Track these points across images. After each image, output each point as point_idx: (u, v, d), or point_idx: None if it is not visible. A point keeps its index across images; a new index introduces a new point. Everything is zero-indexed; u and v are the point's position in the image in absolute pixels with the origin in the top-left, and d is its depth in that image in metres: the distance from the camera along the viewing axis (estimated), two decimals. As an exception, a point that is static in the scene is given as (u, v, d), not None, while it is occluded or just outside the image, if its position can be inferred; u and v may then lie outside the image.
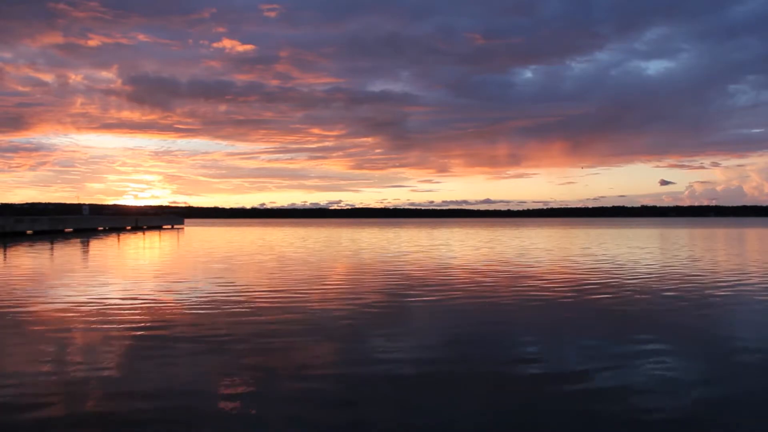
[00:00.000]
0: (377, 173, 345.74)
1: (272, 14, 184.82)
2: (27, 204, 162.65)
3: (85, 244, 39.02)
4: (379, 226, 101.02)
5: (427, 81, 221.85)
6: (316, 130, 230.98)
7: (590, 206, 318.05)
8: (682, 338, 9.29)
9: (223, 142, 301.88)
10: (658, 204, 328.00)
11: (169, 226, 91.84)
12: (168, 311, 11.68)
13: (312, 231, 69.57)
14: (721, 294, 14.14)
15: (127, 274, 19.44)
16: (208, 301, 12.96)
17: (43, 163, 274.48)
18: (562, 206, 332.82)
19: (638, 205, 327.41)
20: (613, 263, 22.72)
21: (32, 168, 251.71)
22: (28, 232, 54.37)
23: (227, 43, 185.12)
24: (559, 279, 17.42)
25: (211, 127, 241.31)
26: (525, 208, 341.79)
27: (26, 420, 5.63)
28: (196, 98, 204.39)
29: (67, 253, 29.58)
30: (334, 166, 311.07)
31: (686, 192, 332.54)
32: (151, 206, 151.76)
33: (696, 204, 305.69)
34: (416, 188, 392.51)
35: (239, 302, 12.81)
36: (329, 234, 58.57)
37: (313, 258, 25.96)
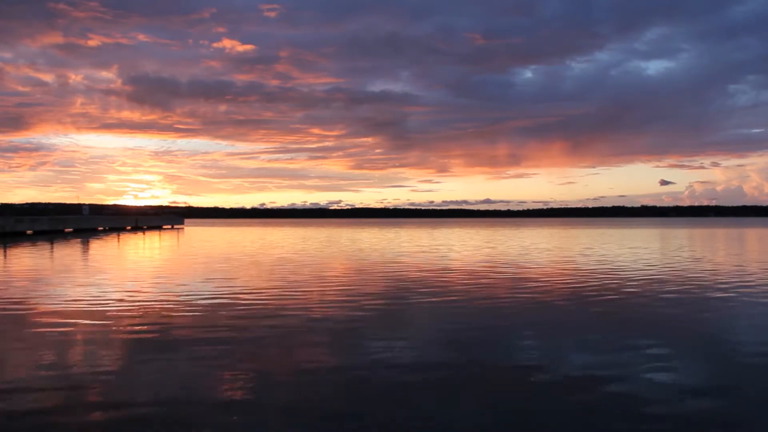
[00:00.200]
0: (377, 173, 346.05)
1: (272, 14, 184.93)
2: (27, 204, 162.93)
3: (85, 244, 39.02)
4: (379, 226, 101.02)
5: (427, 81, 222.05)
6: (316, 130, 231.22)
7: (590, 206, 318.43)
8: (683, 339, 9.28)
9: (223, 142, 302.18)
10: (658, 204, 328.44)
11: (169, 226, 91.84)
12: (168, 311, 11.68)
13: (312, 231, 69.57)
14: (722, 295, 14.13)
15: (126, 274, 19.44)
16: (208, 302, 12.96)
17: (43, 163, 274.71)
18: (562, 206, 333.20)
19: (638, 205, 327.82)
20: (613, 264, 22.72)
21: (32, 168, 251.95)
22: (28, 232, 54.37)
23: (227, 43, 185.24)
24: (560, 279, 17.42)
25: (211, 127, 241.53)
26: (525, 208, 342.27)
27: (26, 420, 5.63)
28: (196, 98, 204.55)
29: (67, 253, 29.58)
30: (334, 166, 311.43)
31: (686, 192, 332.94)
32: (151, 206, 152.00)
33: (696, 204, 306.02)
34: (416, 188, 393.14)
35: (239, 302, 12.81)
36: (329, 234, 58.58)
37: (313, 258, 25.96)
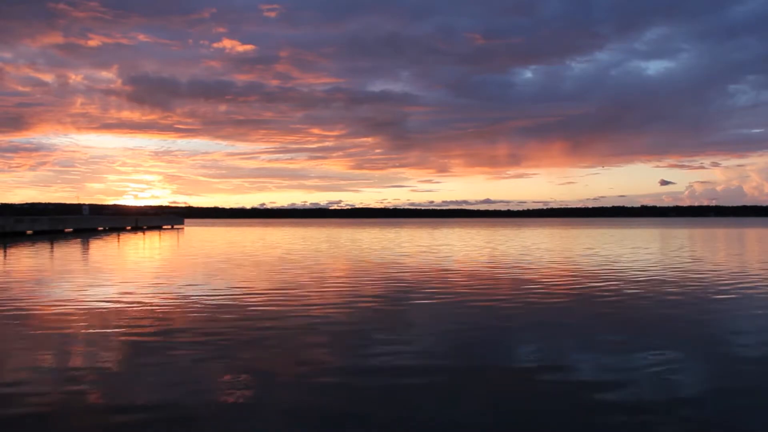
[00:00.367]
0: (377, 173, 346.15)
1: (272, 14, 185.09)
2: (27, 204, 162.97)
3: (85, 244, 39.02)
4: (379, 226, 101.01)
5: (427, 81, 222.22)
6: (316, 130, 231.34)
7: (590, 206, 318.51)
8: (684, 340, 9.27)
9: (223, 142, 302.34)
10: (658, 204, 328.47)
11: (169, 227, 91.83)
12: (168, 312, 11.67)
13: (312, 231, 69.57)
14: (723, 295, 14.13)
15: (126, 274, 19.43)
16: (209, 302, 12.95)
17: (43, 163, 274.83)
18: (562, 206, 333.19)
19: (638, 205, 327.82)
20: (614, 264, 22.71)
21: (32, 168, 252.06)
22: (28, 232, 54.36)
23: (227, 43, 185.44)
24: (561, 279, 17.42)
25: (211, 127, 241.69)
26: (525, 208, 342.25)
27: (26, 421, 5.62)
28: (196, 98, 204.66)
29: (67, 253, 29.58)
30: (334, 166, 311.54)
31: (686, 192, 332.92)
32: (151, 206, 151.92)
33: (696, 204, 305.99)
34: (416, 188, 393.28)
35: (239, 303, 12.80)
36: (330, 234, 58.57)
37: (313, 259, 25.96)
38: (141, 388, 6.63)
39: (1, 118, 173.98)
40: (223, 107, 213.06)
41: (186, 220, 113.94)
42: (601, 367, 7.46)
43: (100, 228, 71.80)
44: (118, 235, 55.38)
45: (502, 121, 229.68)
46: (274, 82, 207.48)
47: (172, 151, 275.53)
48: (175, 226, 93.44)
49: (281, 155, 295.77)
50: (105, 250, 32.89)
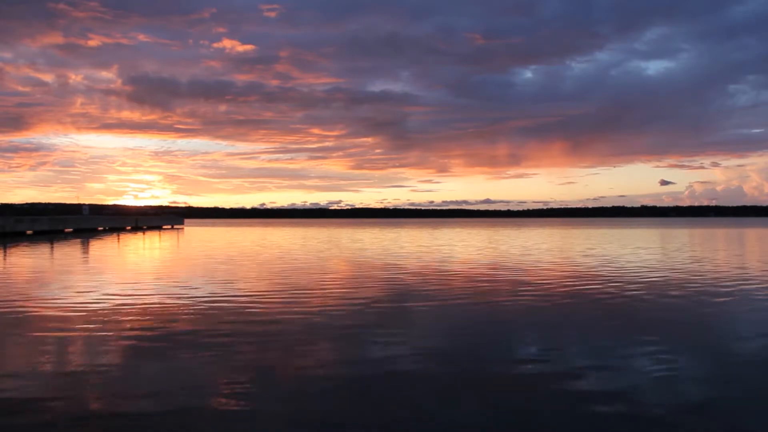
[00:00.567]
0: (377, 173, 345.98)
1: (272, 14, 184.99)
2: (27, 204, 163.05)
3: (85, 244, 39.02)
4: (379, 226, 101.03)
5: (427, 81, 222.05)
6: (316, 130, 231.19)
7: (590, 206, 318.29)
8: (685, 340, 9.27)
9: (223, 142, 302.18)
10: (658, 204, 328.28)
11: (169, 227, 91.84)
12: (168, 312, 11.67)
13: (312, 231, 69.57)
14: (723, 295, 14.12)
15: (126, 275, 19.43)
16: (208, 302, 12.95)
17: (43, 163, 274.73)
18: (562, 206, 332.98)
19: (638, 205, 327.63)
20: (614, 264, 22.71)
21: (32, 168, 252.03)
22: (28, 232, 54.36)
23: (227, 43, 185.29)
24: (562, 280, 17.41)
25: (211, 127, 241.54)
26: (525, 208, 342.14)
27: (26, 422, 5.62)
28: (196, 98, 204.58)
29: (67, 253, 29.58)
30: (334, 166, 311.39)
31: (686, 192, 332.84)
32: (151, 206, 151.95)
33: (696, 204, 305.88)
34: (416, 188, 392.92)
35: (239, 303, 12.80)
36: (330, 234, 58.57)
37: (314, 259, 25.95)
38: (141, 388, 6.62)
39: (1, 118, 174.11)
40: (223, 107, 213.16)
41: (186, 220, 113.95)
42: (601, 368, 7.45)
43: (100, 228, 71.81)
44: (118, 236, 55.39)
45: (502, 121, 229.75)
46: (274, 82, 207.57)
47: (172, 151, 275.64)
48: (175, 226, 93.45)
49: (281, 155, 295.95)
50: (105, 250, 32.89)
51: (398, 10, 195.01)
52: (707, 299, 13.33)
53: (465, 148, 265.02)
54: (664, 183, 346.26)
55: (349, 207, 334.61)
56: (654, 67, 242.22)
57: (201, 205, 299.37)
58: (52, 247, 34.06)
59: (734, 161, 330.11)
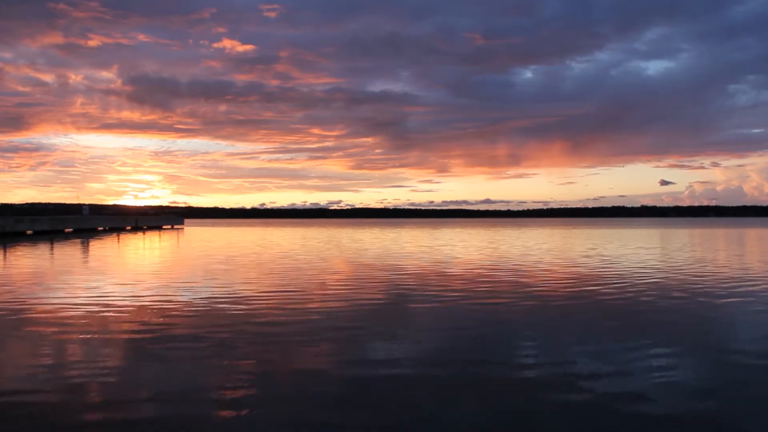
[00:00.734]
0: (377, 173, 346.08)
1: (272, 14, 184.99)
2: (27, 204, 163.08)
3: (85, 244, 39.01)
4: (379, 226, 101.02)
5: (427, 81, 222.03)
6: (316, 130, 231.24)
7: (590, 206, 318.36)
8: (686, 340, 9.26)
9: (223, 142, 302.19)
10: (658, 204, 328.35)
11: (169, 227, 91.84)
12: (168, 312, 11.66)
13: (312, 231, 69.56)
14: (724, 295, 14.12)
15: (126, 275, 19.43)
16: (208, 303, 12.94)
17: (43, 163, 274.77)
18: (562, 206, 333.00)
19: (638, 205, 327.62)
20: (615, 264, 22.70)
21: (32, 168, 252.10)
22: (28, 232, 54.37)
23: (227, 43, 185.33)
24: (563, 280, 17.41)
25: (211, 127, 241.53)
26: (525, 208, 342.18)
27: (26, 422, 5.62)
28: (196, 98, 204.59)
29: (67, 253, 29.57)
30: (334, 166, 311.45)
31: (686, 192, 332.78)
32: (151, 206, 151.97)
33: (696, 204, 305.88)
34: (416, 188, 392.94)
35: (240, 304, 12.79)
36: (330, 234, 58.56)
37: (314, 259, 25.95)
38: (141, 389, 6.62)
39: (1, 118, 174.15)
40: (223, 107, 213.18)
41: (186, 220, 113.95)
42: (601, 368, 7.44)
43: (100, 228, 71.82)
44: (118, 235, 55.39)
45: (502, 121, 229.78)
46: (274, 82, 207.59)
47: (172, 151, 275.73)
48: (175, 226, 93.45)
49: (281, 155, 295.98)
50: (105, 250, 32.89)
51: (398, 10, 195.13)
52: (708, 299, 13.31)
53: (465, 148, 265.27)
54: (664, 183, 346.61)
55: (349, 207, 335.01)
56: (654, 67, 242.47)
57: (201, 205, 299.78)
58: (52, 247, 34.05)
59: (734, 161, 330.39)
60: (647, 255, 27.47)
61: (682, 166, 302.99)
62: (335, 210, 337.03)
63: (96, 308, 12.02)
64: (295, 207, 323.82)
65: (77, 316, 11.15)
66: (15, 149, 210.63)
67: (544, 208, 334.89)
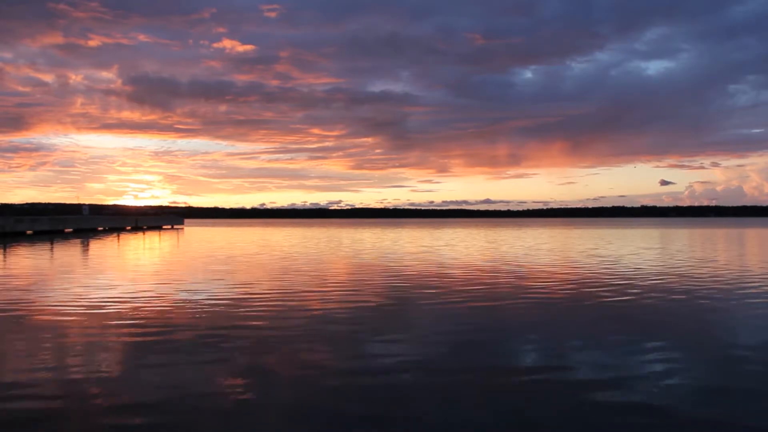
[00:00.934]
0: (377, 173, 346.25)
1: (272, 14, 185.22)
2: (27, 204, 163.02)
3: (85, 244, 39.00)
4: (379, 226, 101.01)
5: (427, 81, 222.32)
6: (316, 130, 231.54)
7: (590, 206, 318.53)
8: (686, 341, 9.26)
9: (223, 142, 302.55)
10: (658, 204, 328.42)
11: (169, 227, 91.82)
12: (168, 313, 11.66)
13: (313, 231, 69.55)
14: (724, 295, 14.11)
15: (126, 275, 19.42)
16: (209, 302, 12.94)
17: (43, 163, 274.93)
18: (562, 206, 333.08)
19: (638, 205, 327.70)
20: (615, 264, 22.70)
21: (32, 168, 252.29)
22: (28, 232, 54.36)
23: (227, 43, 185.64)
24: (563, 280, 17.41)
25: (211, 127, 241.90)
26: (525, 209, 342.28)
27: (26, 422, 5.61)
28: (196, 98, 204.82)
29: (67, 253, 29.56)
30: (334, 166, 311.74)
31: (686, 192, 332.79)
32: (151, 206, 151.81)
33: (696, 204, 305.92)
34: (416, 188, 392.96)
35: (240, 304, 12.78)
36: (330, 234, 58.54)
37: (314, 259, 25.94)
38: (141, 389, 6.61)
39: (1, 118, 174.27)
40: (223, 107, 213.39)
41: (186, 220, 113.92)
42: (601, 368, 7.44)
43: (100, 228, 71.80)
44: (118, 236, 55.37)
45: (502, 121, 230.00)
46: (274, 82, 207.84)
47: (172, 151, 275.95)
48: (175, 226, 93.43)
49: (281, 155, 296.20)
50: (104, 250, 32.88)
51: (398, 10, 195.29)
52: (708, 299, 13.31)
53: (465, 148, 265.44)
54: (664, 183, 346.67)
55: (349, 207, 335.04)
56: (654, 67, 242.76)
57: (201, 205, 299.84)
58: (52, 247, 34.04)
59: (734, 161, 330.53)
60: (647, 255, 27.46)
61: (682, 166, 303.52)
62: (335, 210, 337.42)
63: (96, 308, 12.00)
64: (295, 207, 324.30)
65: (77, 316, 11.14)
66: (15, 149, 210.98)
67: (544, 208, 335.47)
